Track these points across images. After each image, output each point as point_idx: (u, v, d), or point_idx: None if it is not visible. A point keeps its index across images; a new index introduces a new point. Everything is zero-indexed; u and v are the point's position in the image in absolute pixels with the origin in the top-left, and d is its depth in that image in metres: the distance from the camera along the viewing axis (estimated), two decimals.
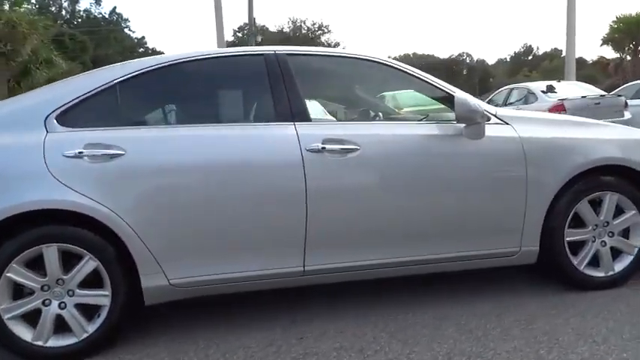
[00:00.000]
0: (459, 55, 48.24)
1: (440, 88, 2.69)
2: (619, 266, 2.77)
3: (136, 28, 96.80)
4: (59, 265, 2.24)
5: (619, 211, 2.75)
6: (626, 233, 2.79)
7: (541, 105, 8.80)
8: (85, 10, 56.16)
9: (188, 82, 2.57)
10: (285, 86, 2.50)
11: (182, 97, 2.61)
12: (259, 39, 44.48)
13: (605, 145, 2.72)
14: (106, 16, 56.50)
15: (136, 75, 2.42)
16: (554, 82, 10.16)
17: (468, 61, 47.65)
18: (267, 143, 2.41)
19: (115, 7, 56.27)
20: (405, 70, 2.69)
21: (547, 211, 2.62)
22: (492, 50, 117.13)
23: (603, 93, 8.75)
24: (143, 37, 69.17)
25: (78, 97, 2.36)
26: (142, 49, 62.54)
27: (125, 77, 2.41)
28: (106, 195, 2.23)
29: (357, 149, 2.43)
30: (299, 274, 2.45)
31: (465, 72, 45.44)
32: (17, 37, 15.47)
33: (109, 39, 52.95)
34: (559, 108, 8.38)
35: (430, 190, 2.52)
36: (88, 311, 2.30)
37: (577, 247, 2.73)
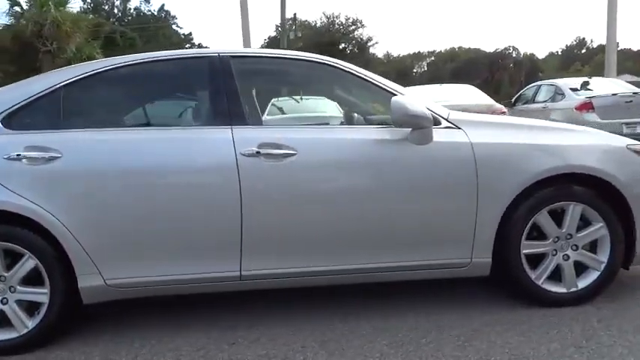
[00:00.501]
0: (505, 48, 46.53)
1: (386, 90, 2.58)
2: (584, 282, 2.59)
3: (183, 25, 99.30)
4: (2, 262, 2.32)
5: (586, 223, 2.58)
6: (594, 247, 2.61)
7: (568, 103, 8.36)
8: (135, 8, 58.06)
9: (130, 86, 2.59)
10: (226, 89, 2.47)
11: (123, 100, 2.64)
12: (299, 34, 44.77)
13: (568, 151, 2.53)
14: (155, 13, 58.18)
15: (80, 79, 2.46)
16: (590, 79, 9.63)
17: (514, 54, 45.92)
18: (202, 147, 2.39)
19: (163, 5, 57.91)
20: (351, 70, 2.60)
21: (501, 221, 2.48)
22: (543, 43, 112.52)
23: (637, 90, 8.19)
24: (190, 34, 70.87)
25: (24, 100, 2.43)
26: (188, 45, 64.18)
27: (69, 81, 2.46)
28: (43, 197, 2.29)
29: (293, 154, 2.38)
30: (236, 278, 2.43)
31: (511, 66, 43.82)
32: (61, 36, 16.22)
33: (157, 35, 54.59)
34: (587, 106, 7.93)
35: (370, 198, 2.43)
36: (30, 308, 2.38)
37: (537, 260, 2.58)
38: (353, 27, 39.77)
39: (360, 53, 37.76)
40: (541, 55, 60.18)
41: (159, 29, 57.05)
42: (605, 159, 2.55)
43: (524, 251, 2.53)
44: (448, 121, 2.53)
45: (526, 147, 2.51)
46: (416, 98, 2.44)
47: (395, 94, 2.52)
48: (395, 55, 75.97)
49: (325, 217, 2.42)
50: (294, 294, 2.77)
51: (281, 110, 8.71)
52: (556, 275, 2.58)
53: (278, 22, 51.67)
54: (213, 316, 2.66)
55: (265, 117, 4.49)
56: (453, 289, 2.82)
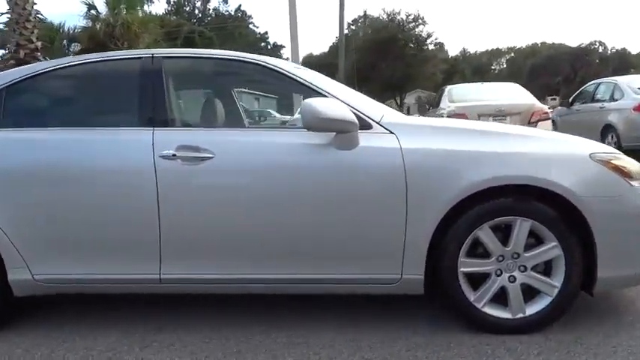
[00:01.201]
0: (591, 43, 43.18)
1: (316, 91, 2.41)
2: (534, 308, 2.29)
3: (259, 24, 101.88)
4: None
5: (540, 241, 2.28)
6: (550, 269, 2.31)
7: (626, 103, 7.58)
8: (214, 9, 60.46)
9: (66, 87, 2.64)
10: (153, 91, 2.45)
11: (58, 101, 2.68)
12: (369, 31, 44.30)
13: (514, 160, 2.24)
14: (232, 13, 60.22)
15: (18, 80, 2.55)
16: None
17: (600, 50, 42.48)
18: (123, 148, 2.39)
19: (240, 5, 59.73)
20: (281, 70, 2.47)
21: (435, 235, 2.25)
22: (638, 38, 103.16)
23: None
24: (266, 32, 72.68)
25: None
26: (263, 44, 65.88)
27: (8, 83, 2.55)
28: None
29: (211, 157, 2.31)
30: (156, 281, 2.40)
31: (597, 62, 40.64)
32: (131, 36, 17.22)
33: (234, 35, 56.55)
34: None
35: (287, 205, 2.29)
36: None
37: (481, 280, 2.32)
38: (413, 24, 38.76)
39: (419, 50, 36.60)
40: (635, 50, 55.26)
41: (235, 29, 59.05)
42: (560, 169, 2.22)
43: (462, 269, 2.29)
44: (380, 124, 2.33)
45: (464, 154, 2.26)
46: (336, 101, 2.26)
47: (326, 96, 2.37)
48: (472, 51, 73.28)
49: (240, 224, 2.32)
50: (230, 299, 2.71)
51: None
52: (504, 298, 2.32)
53: (352, 19, 51.45)
54: (147, 316, 2.65)
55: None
56: (400, 304, 2.62)
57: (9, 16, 8.53)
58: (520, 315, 2.29)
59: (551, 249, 2.25)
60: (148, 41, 18.07)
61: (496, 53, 74.81)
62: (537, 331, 2.28)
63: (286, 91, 2.52)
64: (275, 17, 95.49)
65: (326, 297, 2.66)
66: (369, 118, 2.34)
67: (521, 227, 2.24)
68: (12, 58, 8.49)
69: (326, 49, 48.04)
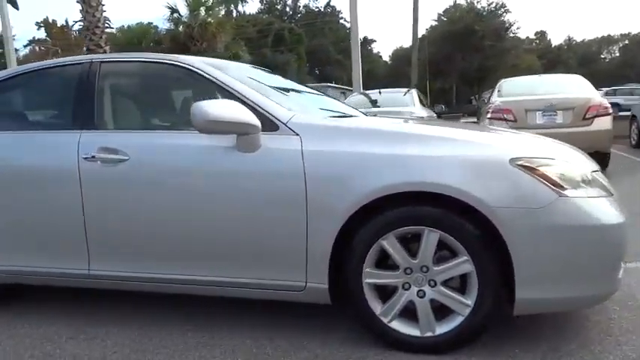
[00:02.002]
0: None
1: (228, 91, 2.35)
2: (444, 327, 2.09)
3: (349, 19, 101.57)
4: None
5: (455, 254, 2.07)
6: (465, 285, 2.08)
7: None
8: (304, 6, 61.47)
9: (14, 94, 2.89)
10: (86, 95, 2.57)
11: (7, 106, 2.92)
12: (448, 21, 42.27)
13: (420, 165, 2.03)
14: (322, 9, 60.84)
15: None
16: None
17: None
18: (53, 150, 2.53)
19: (329, 1, 60.11)
20: (202, 73, 2.44)
21: (338, 243, 2.13)
22: None
23: None
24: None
25: None
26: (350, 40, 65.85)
27: None
28: None
29: (126, 159, 2.37)
30: (85, 276, 2.53)
31: None
32: (209, 37, 18.14)
33: (324, 30, 57.15)
34: None
35: (194, 208, 2.29)
36: None
37: (392, 293, 2.16)
38: (495, 12, 36.24)
39: (498, 40, 34.03)
40: None
41: (325, 24, 59.61)
42: (470, 175, 1.98)
43: (367, 280, 2.14)
44: (287, 125, 2.25)
45: (368, 157, 2.10)
46: (233, 102, 2.18)
47: (235, 94, 2.33)
48: (578, 39, 67.57)
49: (150, 225, 2.37)
50: (176, 297, 2.76)
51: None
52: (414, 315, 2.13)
53: (442, 9, 49.67)
54: (98, 310, 2.78)
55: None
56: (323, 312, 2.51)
57: (81, 23, 9.38)
58: (429, 333, 2.10)
59: (461, 263, 2.03)
60: (225, 41, 18.95)
61: (607, 41, 68.26)
62: (446, 352, 2.08)
63: (202, 90, 2.46)
64: (365, 11, 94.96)
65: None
66: (276, 118, 2.26)
67: (429, 238, 2.04)
68: None
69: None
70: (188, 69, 2.48)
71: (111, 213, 2.43)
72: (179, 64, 2.50)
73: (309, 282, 2.20)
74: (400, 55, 55.77)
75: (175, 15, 18.81)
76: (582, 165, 2.18)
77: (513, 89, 7.33)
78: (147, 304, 2.79)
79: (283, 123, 2.25)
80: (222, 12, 20.06)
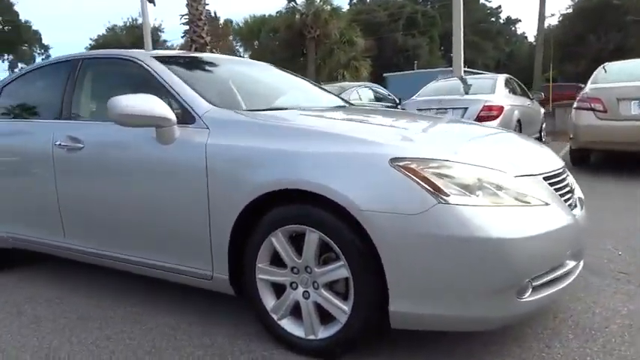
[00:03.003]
0: None
1: (160, 82, 2.49)
2: (326, 332, 2.00)
3: None
4: None
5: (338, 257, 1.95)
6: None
7: None
8: None
9: (23, 88, 3.36)
10: (67, 88, 2.91)
11: (12, 98, 3.36)
12: None
13: (299, 162, 1.95)
14: None
15: (7, 83, 3.33)
16: None
17: None
18: (37, 136, 2.90)
19: None
20: (136, 61, 2.65)
21: (236, 236, 2.16)
22: None
23: None
24: (499, 7, 67.66)
25: None
26: (492, 19, 61.73)
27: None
28: None
29: (82, 147, 2.65)
30: (64, 249, 2.89)
31: None
32: (322, 24, 18.47)
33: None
34: None
35: (122, 194, 2.51)
36: None
37: (282, 291, 2.13)
38: None
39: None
40: None
41: (465, 5, 56.73)
42: (347, 175, 1.86)
43: (259, 276, 2.14)
44: (201, 118, 2.30)
45: (259, 153, 2.07)
46: (148, 96, 2.28)
47: (165, 86, 2.46)
48: None
49: (97, 207, 2.64)
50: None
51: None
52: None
53: None
54: (62, 278, 3.15)
55: None
56: None
57: (187, 17, 10.26)
58: (311, 336, 2.03)
59: (339, 268, 1.92)
60: (340, 27, 19.11)
61: None
62: (330, 358, 2.00)
63: (146, 82, 2.60)
64: None
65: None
66: (194, 111, 2.34)
67: (310, 238, 1.97)
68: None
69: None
70: (134, 62, 2.67)
71: (72, 194, 2.74)
72: (127, 57, 2.71)
73: (215, 272, 2.26)
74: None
75: (292, 4, 19.52)
76: (500, 169, 1.89)
77: (613, 75, 6.36)
78: (106, 277, 3.09)
79: (199, 116, 2.32)
80: None
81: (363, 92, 9.77)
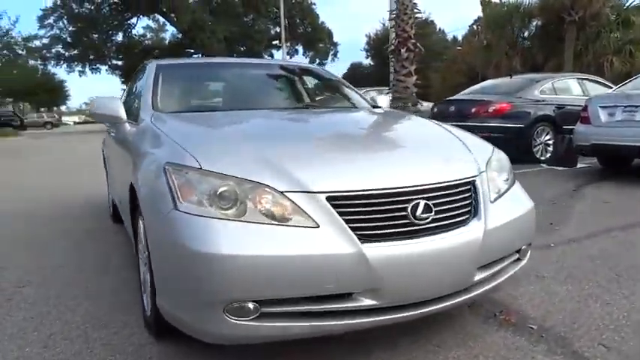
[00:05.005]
0: None
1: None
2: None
3: None
4: None
5: None
6: None
7: None
8: None
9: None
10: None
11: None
12: None
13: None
14: None
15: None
16: None
17: None
18: None
19: None
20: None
21: None
22: None
23: None
24: None
25: None
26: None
27: None
28: None
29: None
30: None
31: None
32: (584, 4, 15.70)
33: None
34: None
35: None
36: None
37: None
38: None
39: None
40: None
41: None
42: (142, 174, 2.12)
43: None
44: (151, 119, 2.66)
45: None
46: (117, 100, 2.89)
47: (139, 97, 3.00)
48: None
49: None
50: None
51: None
52: None
53: None
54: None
55: None
56: None
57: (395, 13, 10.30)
58: None
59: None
60: (605, 12, 15.80)
61: None
62: None
63: None
64: None
65: None
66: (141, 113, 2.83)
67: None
68: (390, 45, 10.59)
69: None
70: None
71: None
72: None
73: None
74: None
75: None
76: (264, 182, 1.74)
77: None
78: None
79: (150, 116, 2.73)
80: None
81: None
